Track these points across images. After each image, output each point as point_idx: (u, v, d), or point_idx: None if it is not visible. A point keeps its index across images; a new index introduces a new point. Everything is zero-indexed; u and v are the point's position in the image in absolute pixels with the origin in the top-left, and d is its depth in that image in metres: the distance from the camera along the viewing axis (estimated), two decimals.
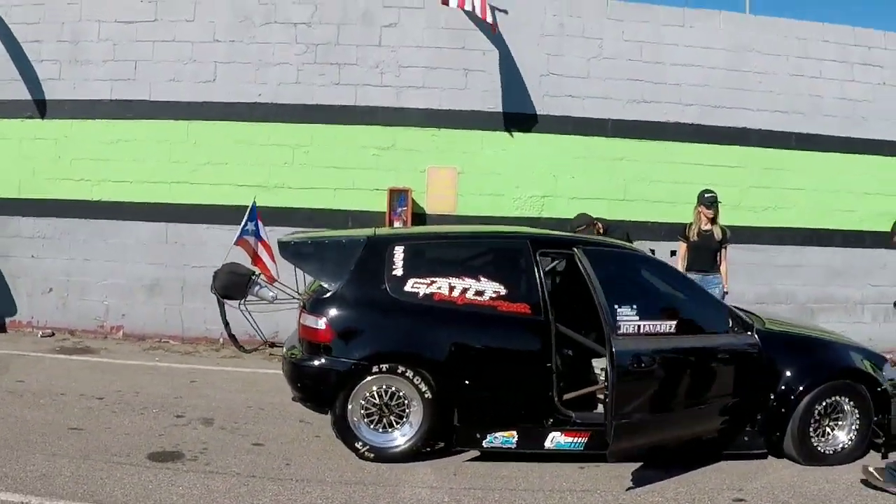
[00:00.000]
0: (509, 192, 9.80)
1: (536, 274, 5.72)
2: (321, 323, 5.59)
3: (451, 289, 5.66)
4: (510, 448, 5.60)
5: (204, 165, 9.78)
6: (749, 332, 5.80)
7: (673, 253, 8.83)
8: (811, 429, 5.72)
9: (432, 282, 5.68)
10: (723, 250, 8.41)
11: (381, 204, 9.55)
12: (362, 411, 5.61)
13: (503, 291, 5.65)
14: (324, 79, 9.68)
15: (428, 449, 5.71)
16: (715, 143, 9.97)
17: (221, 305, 6.44)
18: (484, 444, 5.60)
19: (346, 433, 5.60)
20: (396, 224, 9.49)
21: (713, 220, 8.34)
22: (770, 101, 10.05)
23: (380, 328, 5.67)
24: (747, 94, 10.01)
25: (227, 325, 6.51)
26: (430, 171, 9.75)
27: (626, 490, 5.22)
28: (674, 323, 5.54)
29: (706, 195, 8.32)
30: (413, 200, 9.61)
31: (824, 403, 5.74)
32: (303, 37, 9.71)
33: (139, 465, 5.38)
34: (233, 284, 6.29)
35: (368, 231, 6.26)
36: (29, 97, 9.86)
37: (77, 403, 6.90)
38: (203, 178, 9.79)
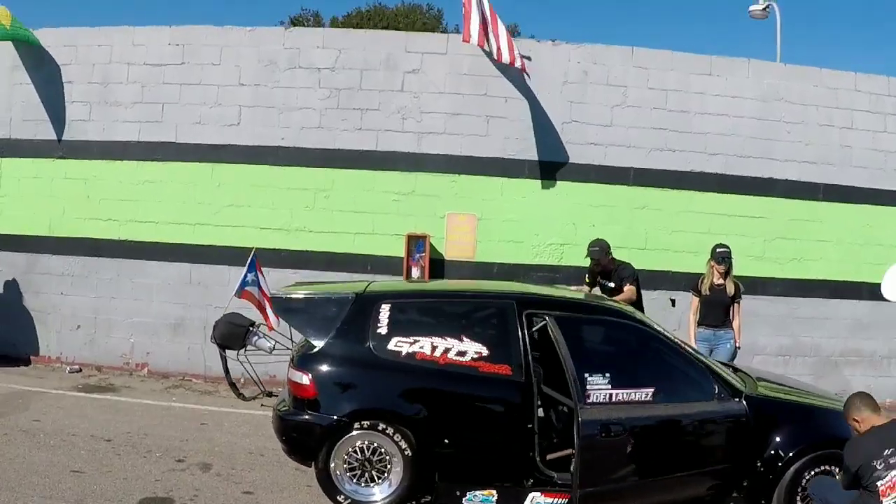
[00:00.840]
0: (528, 240, 9.76)
1: (519, 335, 5.69)
2: (306, 379, 5.66)
3: (434, 348, 5.69)
4: None
5: (227, 207, 9.93)
6: (737, 399, 5.69)
7: (673, 302, 8.76)
8: (798, 498, 5.60)
9: (415, 341, 5.72)
10: (735, 305, 8.28)
11: (400, 249, 9.59)
12: (345, 465, 5.67)
13: (485, 352, 5.66)
14: (346, 123, 9.75)
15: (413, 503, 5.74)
16: (740, 193, 9.81)
17: (222, 354, 6.55)
18: (464, 501, 5.61)
19: (328, 486, 5.68)
20: (414, 270, 9.53)
21: (725, 275, 8.23)
22: (798, 151, 9.86)
23: (362, 385, 5.72)
24: (775, 144, 9.84)
25: (227, 372, 6.63)
26: (449, 217, 9.77)
27: None
28: (650, 391, 5.50)
29: (718, 250, 8.22)
30: (432, 246, 9.64)
31: (813, 472, 5.61)
32: (326, 82, 9.79)
33: None
34: (231, 335, 6.43)
35: (359, 287, 6.27)
36: (59, 138, 10.11)
37: (85, 445, 7.07)
38: (226, 219, 9.93)
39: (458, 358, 5.68)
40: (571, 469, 5.39)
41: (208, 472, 6.56)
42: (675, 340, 5.99)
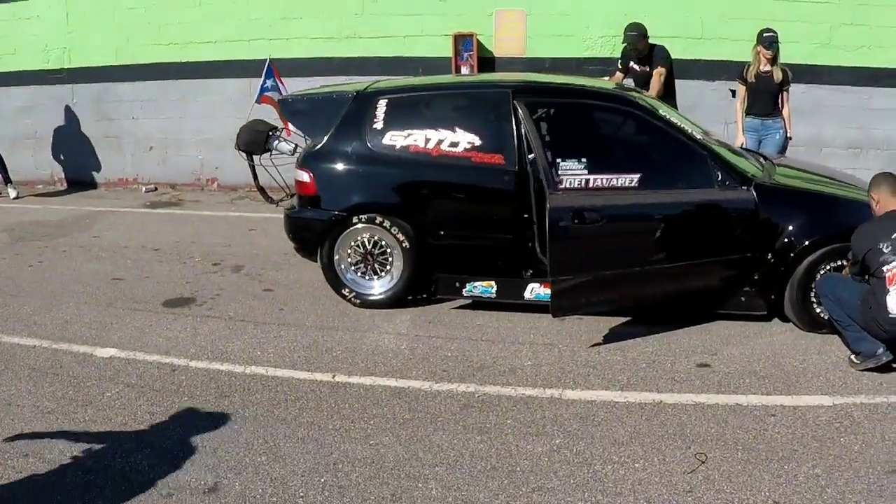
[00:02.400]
0: (579, 33, 9.55)
1: (513, 123, 5.62)
2: (307, 177, 5.92)
3: (427, 140, 5.78)
4: (490, 298, 5.78)
5: (280, 21, 10.07)
6: (745, 187, 5.38)
7: (733, 93, 8.46)
8: (812, 294, 5.31)
9: (409, 134, 5.83)
10: (784, 93, 7.87)
11: (450, 49, 9.57)
12: (348, 259, 5.95)
13: (477, 142, 5.69)
14: None
15: (424, 296, 5.97)
16: None
17: (250, 160, 6.77)
18: (464, 293, 5.81)
19: (333, 280, 6.01)
20: (463, 69, 9.52)
21: (773, 61, 7.78)
22: None
23: (359, 180, 5.91)
24: None
25: (255, 177, 6.84)
26: (497, 13, 9.63)
27: (590, 346, 5.25)
28: (635, 177, 5.32)
29: (765, 34, 7.75)
30: (482, 44, 9.59)
31: (829, 267, 5.28)
32: None
33: (150, 311, 6.04)
34: (252, 140, 6.62)
35: (362, 85, 6.31)
36: None
37: (133, 255, 7.60)
38: (279, 33, 10.09)
39: (450, 149, 5.74)
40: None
41: (238, 272, 6.98)
42: (677, 127, 5.60)
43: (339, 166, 5.93)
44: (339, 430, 4.18)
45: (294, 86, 9.78)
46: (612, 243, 5.29)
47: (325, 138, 5.97)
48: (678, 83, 8.80)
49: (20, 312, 6.08)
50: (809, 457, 3.83)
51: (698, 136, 5.64)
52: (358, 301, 5.96)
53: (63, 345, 5.41)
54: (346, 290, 5.98)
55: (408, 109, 6.01)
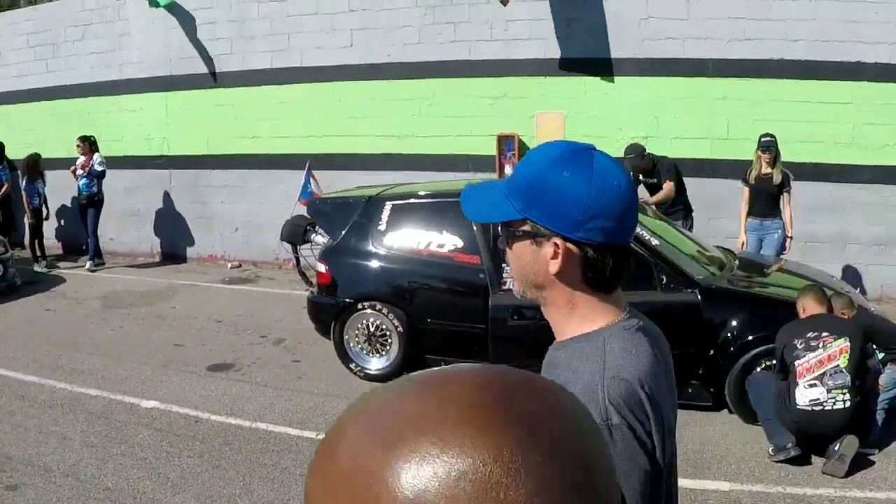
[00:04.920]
0: (612, 134, 10.35)
1: (490, 227, 6.27)
2: (323, 268, 7.02)
3: (418, 242, 6.79)
4: None
5: (347, 119, 11.37)
6: (689, 290, 5.93)
7: None
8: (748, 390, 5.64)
9: (405, 235, 6.86)
10: (785, 195, 8.34)
11: (494, 148, 10.61)
12: (356, 339, 6.95)
13: (459, 244, 6.62)
14: (441, 37, 10.83)
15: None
16: (824, 79, 9.77)
17: (294, 251, 7.89)
18: None
19: (343, 356, 7.06)
20: (507, 168, 10.52)
21: (772, 164, 8.29)
22: (887, 32, 9.67)
23: (365, 273, 6.96)
24: (861, 27, 9.75)
25: (297, 263, 7.95)
26: (538, 116, 10.62)
27: None
28: None
29: (763, 139, 8.35)
30: (523, 143, 10.57)
31: (765, 365, 5.69)
32: (422, 0, 10.89)
33: (195, 373, 7.20)
34: (293, 233, 7.77)
35: (376, 191, 7.43)
36: (207, 70, 11.98)
37: (197, 325, 8.80)
38: (347, 130, 11.37)
39: (438, 249, 6.73)
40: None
41: (278, 345, 8.10)
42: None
43: (350, 260, 7.02)
44: (302, 476, 5.10)
45: (357, 179, 11.05)
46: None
47: (340, 236, 7.08)
48: (704, 181, 9.58)
49: (93, 368, 7.35)
50: None
51: (654, 243, 6.20)
52: (362, 374, 6.95)
53: (118, 395, 6.62)
54: (353, 364, 7.00)
55: (406, 214, 7.02)
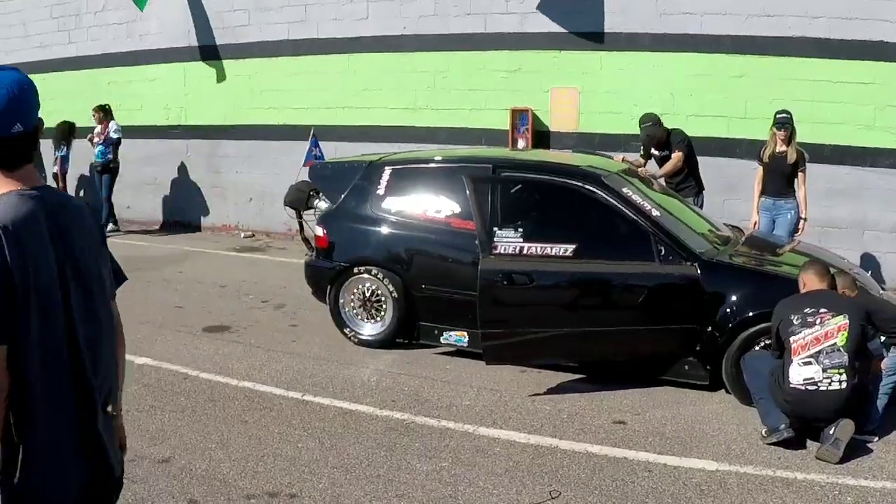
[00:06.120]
0: (627, 110, 10.16)
1: (488, 194, 6.16)
2: (321, 231, 6.98)
3: (417, 207, 6.74)
4: (463, 346, 6.53)
5: (362, 91, 11.34)
6: (689, 263, 5.77)
7: None
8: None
9: (404, 201, 6.80)
10: (800, 174, 8.13)
11: (507, 123, 10.51)
12: (351, 304, 6.91)
13: (458, 210, 6.55)
14: (457, 10, 10.72)
15: (406, 340, 6.80)
16: (846, 58, 9.45)
17: (298, 216, 7.90)
18: (441, 339, 6.62)
19: (338, 321, 7.01)
20: (520, 142, 10.42)
21: (787, 142, 8.10)
22: None
23: (361, 238, 6.91)
24: (885, 4, 9.40)
25: (301, 229, 7.96)
26: (552, 91, 10.50)
27: (530, 395, 5.82)
28: (571, 248, 5.91)
29: (778, 115, 8.13)
30: (538, 118, 10.46)
31: (763, 343, 5.48)
32: None
33: (191, 334, 7.25)
34: (297, 199, 7.76)
35: (377, 156, 7.39)
36: (225, 41, 12.01)
37: (201, 289, 8.86)
38: (361, 102, 11.35)
39: (436, 215, 6.68)
40: None
41: (279, 309, 8.10)
42: (634, 205, 6.02)
43: (348, 224, 6.99)
44: (280, 433, 5.14)
45: (371, 149, 10.97)
46: (542, 304, 5.94)
47: (339, 201, 7.06)
48: (720, 161, 9.40)
49: None
50: None
51: (654, 214, 6.07)
52: (356, 340, 6.92)
53: None
54: (347, 329, 6.96)
55: (406, 179, 6.98)
